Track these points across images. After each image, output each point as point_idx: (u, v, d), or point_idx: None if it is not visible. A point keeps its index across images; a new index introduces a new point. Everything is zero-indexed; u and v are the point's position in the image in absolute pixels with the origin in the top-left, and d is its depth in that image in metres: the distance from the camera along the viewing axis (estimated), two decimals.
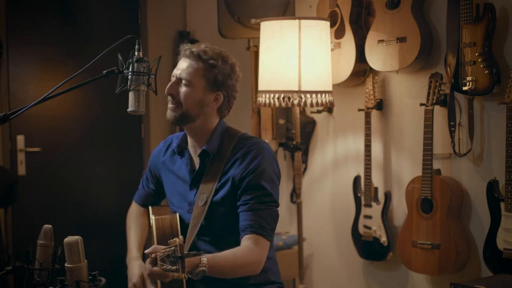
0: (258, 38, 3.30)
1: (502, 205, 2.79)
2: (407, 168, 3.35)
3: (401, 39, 3.14)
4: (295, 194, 3.78)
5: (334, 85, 3.32)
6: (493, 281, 2.73)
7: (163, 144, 2.62)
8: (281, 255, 3.42)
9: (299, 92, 3.13)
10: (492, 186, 2.85)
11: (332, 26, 3.39)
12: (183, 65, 2.35)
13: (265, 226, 2.28)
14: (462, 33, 2.88)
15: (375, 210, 3.38)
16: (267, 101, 3.17)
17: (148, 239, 2.58)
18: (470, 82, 2.87)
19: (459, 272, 3.09)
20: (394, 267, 3.45)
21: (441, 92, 3.04)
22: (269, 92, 3.18)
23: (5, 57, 4.02)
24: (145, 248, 2.34)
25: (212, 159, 2.39)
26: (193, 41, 4.45)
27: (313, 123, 3.86)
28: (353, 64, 3.36)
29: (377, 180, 3.47)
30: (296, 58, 3.13)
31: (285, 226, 3.98)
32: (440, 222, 3.02)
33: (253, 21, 3.54)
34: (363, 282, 3.63)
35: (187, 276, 2.01)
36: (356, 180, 3.51)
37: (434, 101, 3.03)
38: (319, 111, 3.77)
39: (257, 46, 3.62)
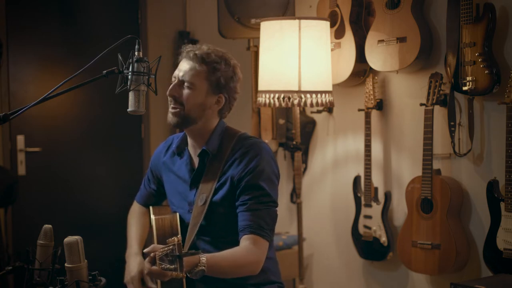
0: (258, 38, 3.30)
1: (502, 205, 2.79)
2: (407, 168, 3.35)
3: (401, 39, 3.14)
4: (295, 194, 3.78)
5: (334, 85, 3.32)
6: (493, 281, 2.73)
7: (164, 145, 2.62)
8: (281, 255, 3.42)
9: (299, 92, 3.13)
10: (492, 186, 2.85)
11: (332, 26, 3.39)
12: (185, 67, 2.34)
13: (263, 226, 2.27)
14: (462, 33, 2.88)
15: (375, 210, 3.38)
16: (267, 101, 3.17)
17: (149, 238, 2.58)
18: (470, 82, 2.86)
19: (459, 272, 3.09)
20: (394, 267, 3.44)
21: (441, 92, 3.04)
22: (269, 92, 3.17)
23: (5, 57, 4.01)
24: (144, 248, 2.34)
25: (211, 159, 2.39)
26: (193, 41, 4.46)
27: (313, 123, 3.86)
28: (353, 64, 3.36)
29: (377, 180, 3.47)
30: (296, 58, 3.13)
31: (285, 226, 3.98)
32: (440, 222, 3.02)
33: (253, 21, 3.54)
34: (363, 282, 3.63)
35: (185, 275, 2.01)
36: (356, 180, 3.51)
37: (434, 101, 3.02)
38: (319, 111, 3.77)
39: (257, 46, 3.62)
